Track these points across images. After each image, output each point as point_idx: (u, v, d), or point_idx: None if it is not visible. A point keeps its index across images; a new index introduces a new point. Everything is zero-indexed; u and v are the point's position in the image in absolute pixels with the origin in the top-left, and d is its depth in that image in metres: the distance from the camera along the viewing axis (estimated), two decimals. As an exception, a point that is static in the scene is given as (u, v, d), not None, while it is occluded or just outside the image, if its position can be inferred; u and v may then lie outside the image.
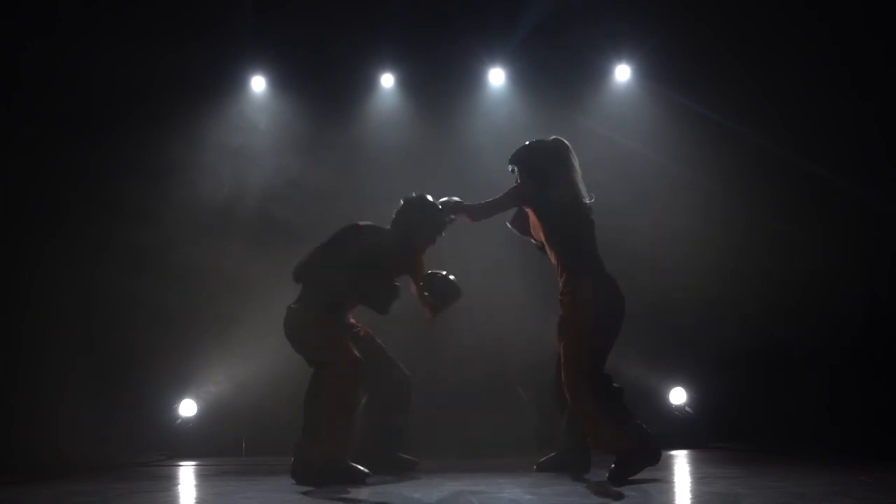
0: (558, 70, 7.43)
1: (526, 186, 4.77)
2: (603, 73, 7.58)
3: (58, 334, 6.86)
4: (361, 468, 4.73)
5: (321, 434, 4.66)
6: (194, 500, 4.17)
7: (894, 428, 6.21)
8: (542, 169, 4.75)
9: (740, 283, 7.05)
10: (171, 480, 5.19)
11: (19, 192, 6.95)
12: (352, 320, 5.22)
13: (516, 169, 4.86)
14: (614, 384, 4.57)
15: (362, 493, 4.25)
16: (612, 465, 4.45)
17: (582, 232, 4.71)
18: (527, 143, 4.89)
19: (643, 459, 4.47)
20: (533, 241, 4.96)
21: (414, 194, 5.12)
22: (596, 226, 4.77)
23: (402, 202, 5.12)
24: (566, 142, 4.85)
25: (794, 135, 7.02)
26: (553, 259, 4.75)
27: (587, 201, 4.75)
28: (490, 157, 5.16)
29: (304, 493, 4.23)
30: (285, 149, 7.35)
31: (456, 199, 4.99)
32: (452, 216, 4.98)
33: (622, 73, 7.56)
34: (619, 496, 3.89)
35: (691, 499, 3.90)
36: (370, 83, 7.61)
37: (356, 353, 4.83)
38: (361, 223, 5.05)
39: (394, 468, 5.13)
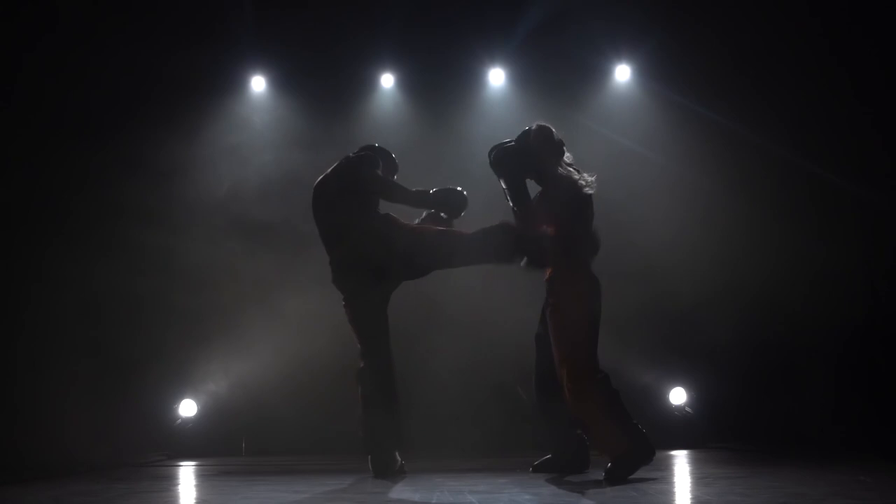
0: (558, 70, 7.43)
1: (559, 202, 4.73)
2: (603, 73, 7.59)
3: (59, 334, 6.87)
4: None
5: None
6: (194, 500, 4.16)
7: (895, 428, 6.22)
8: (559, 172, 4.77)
9: (740, 283, 7.05)
10: (171, 480, 5.18)
11: (21, 192, 6.95)
12: None
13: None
14: (612, 386, 4.58)
15: (362, 492, 4.24)
16: (609, 466, 4.46)
17: (586, 226, 4.74)
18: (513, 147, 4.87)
19: (639, 459, 4.48)
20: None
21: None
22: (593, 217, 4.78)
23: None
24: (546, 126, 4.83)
25: (794, 135, 7.02)
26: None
27: (590, 184, 4.73)
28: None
29: (304, 493, 4.23)
30: (286, 148, 7.35)
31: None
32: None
33: (622, 73, 7.57)
34: (619, 496, 3.88)
35: (691, 499, 3.90)
36: (370, 83, 7.62)
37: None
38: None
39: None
